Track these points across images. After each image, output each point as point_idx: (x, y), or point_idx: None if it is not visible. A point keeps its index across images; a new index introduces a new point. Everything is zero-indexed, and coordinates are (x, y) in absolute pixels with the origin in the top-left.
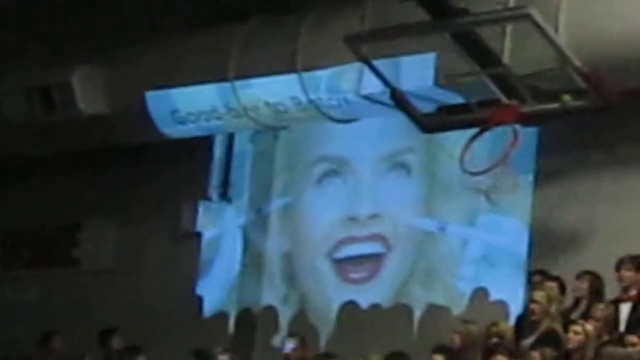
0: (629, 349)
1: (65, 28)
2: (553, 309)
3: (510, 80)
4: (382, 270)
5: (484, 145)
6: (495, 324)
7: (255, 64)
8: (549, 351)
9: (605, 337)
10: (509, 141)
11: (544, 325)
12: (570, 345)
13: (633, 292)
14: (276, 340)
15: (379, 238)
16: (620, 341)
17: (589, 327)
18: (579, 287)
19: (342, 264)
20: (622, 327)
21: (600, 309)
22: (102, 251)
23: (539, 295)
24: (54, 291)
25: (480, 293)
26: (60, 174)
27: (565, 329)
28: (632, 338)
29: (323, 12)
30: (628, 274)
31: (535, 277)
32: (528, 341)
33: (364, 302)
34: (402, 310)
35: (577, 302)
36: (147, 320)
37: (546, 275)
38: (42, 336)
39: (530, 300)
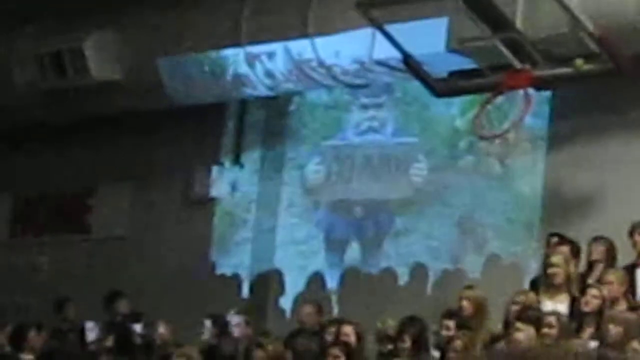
0: None
1: None
2: (573, 271)
3: (522, 44)
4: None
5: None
6: (521, 292)
7: (267, 29)
8: (564, 318)
9: (622, 303)
10: (522, 106)
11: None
12: (587, 309)
13: None
14: (284, 304)
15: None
16: (636, 307)
17: (605, 291)
18: (594, 251)
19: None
20: (638, 291)
21: (613, 274)
22: (114, 217)
23: (557, 258)
24: (67, 257)
25: (493, 257)
26: (72, 141)
27: (582, 292)
28: None
29: None
30: None
31: (551, 239)
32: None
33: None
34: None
35: (590, 266)
36: (161, 285)
37: (562, 239)
38: (55, 303)
39: (548, 264)
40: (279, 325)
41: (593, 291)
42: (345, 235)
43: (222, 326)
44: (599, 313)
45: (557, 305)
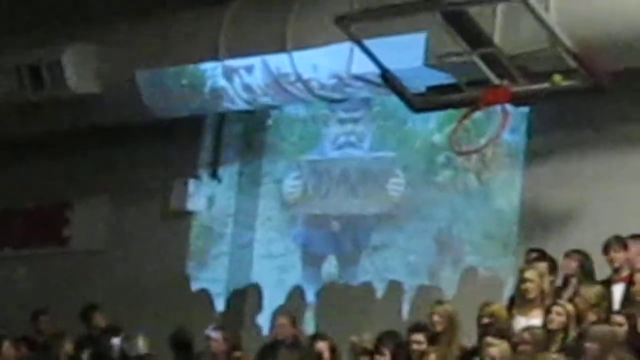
0: (616, 328)
1: (56, 7)
2: (547, 287)
3: (500, 60)
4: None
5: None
6: (487, 304)
7: (245, 43)
8: (538, 331)
9: (592, 317)
10: (499, 121)
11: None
12: (551, 327)
13: (625, 274)
14: (261, 318)
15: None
16: (607, 321)
17: (570, 307)
18: (567, 266)
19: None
20: (615, 308)
21: (588, 289)
22: (92, 230)
23: (530, 273)
24: (44, 270)
25: (470, 272)
26: (51, 153)
27: (548, 310)
28: (619, 318)
29: None
30: (618, 255)
31: (530, 255)
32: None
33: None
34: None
35: (566, 281)
36: (137, 299)
37: (541, 254)
38: (31, 315)
39: (522, 280)
40: (256, 340)
41: (557, 309)
42: (323, 249)
43: (185, 341)
44: (565, 329)
45: (531, 320)
